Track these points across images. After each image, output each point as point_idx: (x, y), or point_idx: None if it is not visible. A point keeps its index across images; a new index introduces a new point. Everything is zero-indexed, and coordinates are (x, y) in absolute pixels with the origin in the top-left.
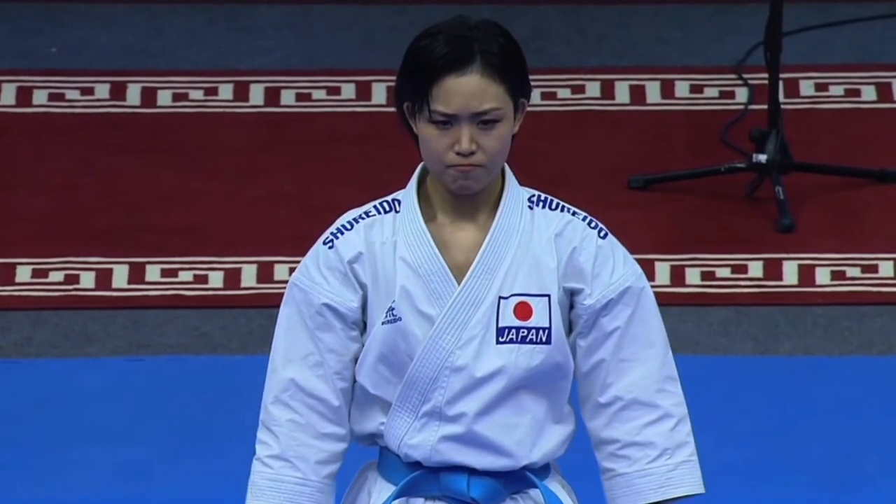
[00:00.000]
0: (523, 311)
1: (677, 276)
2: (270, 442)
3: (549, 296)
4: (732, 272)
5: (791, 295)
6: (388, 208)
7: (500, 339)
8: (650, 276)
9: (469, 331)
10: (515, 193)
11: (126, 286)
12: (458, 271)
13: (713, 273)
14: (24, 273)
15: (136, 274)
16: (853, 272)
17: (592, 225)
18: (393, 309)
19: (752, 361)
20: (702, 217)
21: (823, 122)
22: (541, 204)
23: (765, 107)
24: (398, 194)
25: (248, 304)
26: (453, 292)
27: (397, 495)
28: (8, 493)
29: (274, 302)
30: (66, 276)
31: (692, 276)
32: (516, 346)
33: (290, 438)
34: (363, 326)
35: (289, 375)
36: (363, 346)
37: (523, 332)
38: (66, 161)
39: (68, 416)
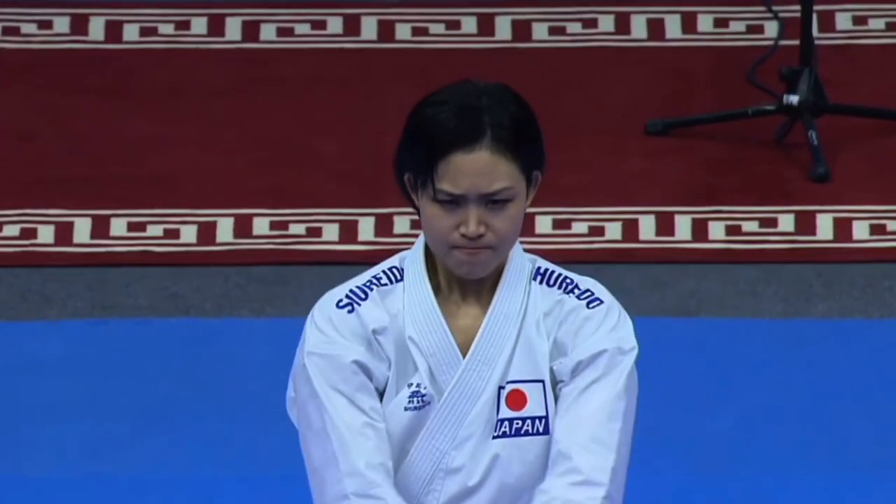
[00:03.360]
0: (516, 399)
1: (699, 230)
2: None
3: (542, 381)
4: (761, 226)
5: (826, 251)
6: (397, 276)
7: (495, 434)
8: (669, 230)
9: (466, 428)
10: (517, 269)
11: (89, 241)
12: (464, 351)
13: (739, 227)
14: None
15: (100, 228)
16: (894, 226)
17: (584, 296)
18: (422, 394)
19: (783, 324)
20: (726, 165)
21: (862, 59)
22: (539, 278)
23: (796, 42)
24: (402, 260)
25: (224, 261)
26: (450, 384)
27: None
28: None
29: (252, 259)
30: (23, 230)
31: (716, 230)
32: (510, 440)
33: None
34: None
35: (349, 452)
36: None
37: (517, 424)
38: (21, 103)
39: (26, 385)
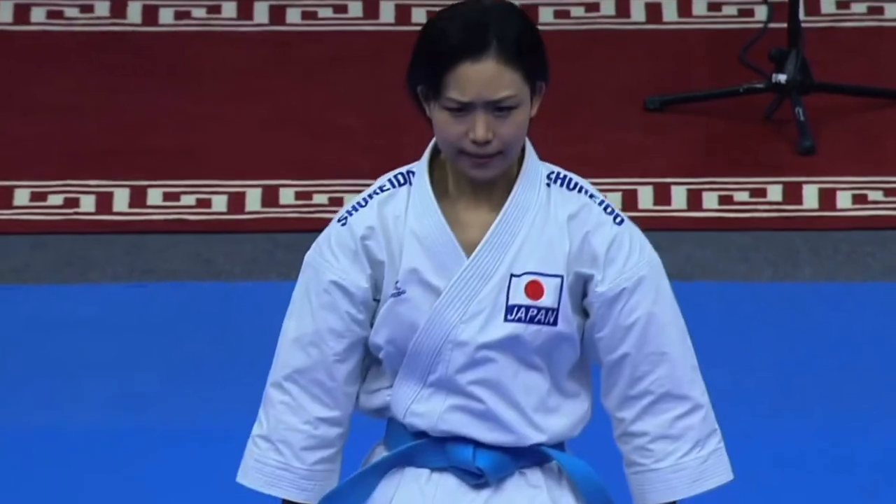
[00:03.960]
0: (534, 290)
1: (694, 200)
2: (262, 421)
3: (561, 277)
4: (751, 196)
5: (811, 219)
6: (402, 181)
7: (508, 317)
8: (666, 200)
9: (476, 305)
10: (533, 170)
11: (127, 210)
12: (471, 247)
13: (731, 197)
14: (22, 196)
15: (138, 197)
16: (875, 195)
17: (609, 210)
18: (398, 282)
19: (772, 288)
20: (719, 139)
21: (845, 40)
22: (559, 182)
23: (785, 25)
24: (413, 166)
25: (253, 228)
26: (461, 266)
27: (399, 459)
28: (6, 422)
29: (279, 227)
30: (66, 199)
31: (709, 200)
32: (523, 325)
33: (278, 422)
34: (374, 308)
35: (288, 356)
36: (375, 322)
37: (532, 312)
38: (65, 81)
39: (68, 343)
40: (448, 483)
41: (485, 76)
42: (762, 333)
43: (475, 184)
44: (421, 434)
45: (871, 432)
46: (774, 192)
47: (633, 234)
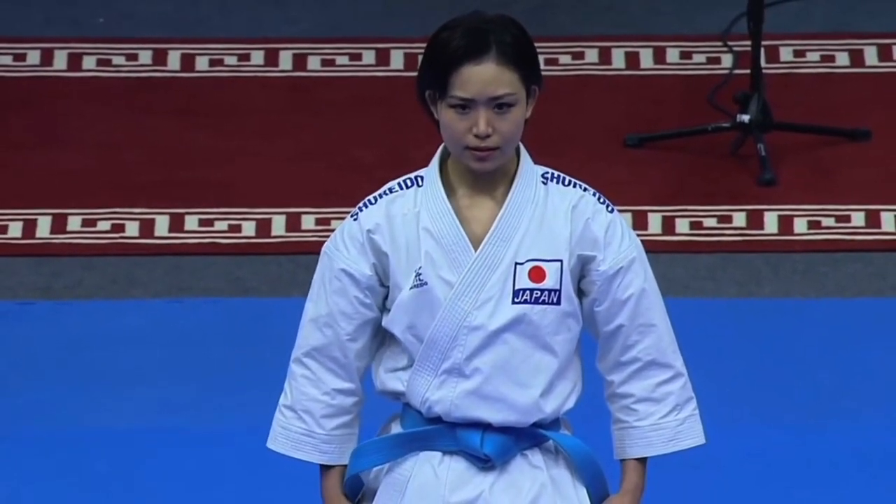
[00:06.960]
0: (537, 274)
1: (668, 225)
2: (287, 392)
3: (560, 261)
4: (718, 222)
5: (772, 243)
6: (410, 184)
7: (516, 300)
8: (643, 226)
9: (486, 292)
10: (529, 170)
11: (167, 234)
12: (477, 241)
13: (701, 223)
14: (74, 222)
15: (176, 223)
16: (828, 222)
17: (601, 200)
18: (420, 275)
19: (736, 304)
20: (690, 172)
21: (801, 85)
22: (555, 180)
23: (748, 72)
24: (421, 172)
25: (278, 251)
26: (470, 258)
27: (414, 442)
28: (57, 426)
29: (301, 249)
30: (113, 225)
31: (681, 225)
32: (529, 305)
33: (300, 393)
34: (383, 293)
35: (307, 335)
36: (388, 311)
37: (536, 294)
38: (112, 121)
39: (114, 353)
40: (459, 466)
41: (486, 76)
42: (728, 344)
43: (478, 180)
44: (435, 419)
45: (826, 433)
46: (739, 219)
47: (622, 221)
